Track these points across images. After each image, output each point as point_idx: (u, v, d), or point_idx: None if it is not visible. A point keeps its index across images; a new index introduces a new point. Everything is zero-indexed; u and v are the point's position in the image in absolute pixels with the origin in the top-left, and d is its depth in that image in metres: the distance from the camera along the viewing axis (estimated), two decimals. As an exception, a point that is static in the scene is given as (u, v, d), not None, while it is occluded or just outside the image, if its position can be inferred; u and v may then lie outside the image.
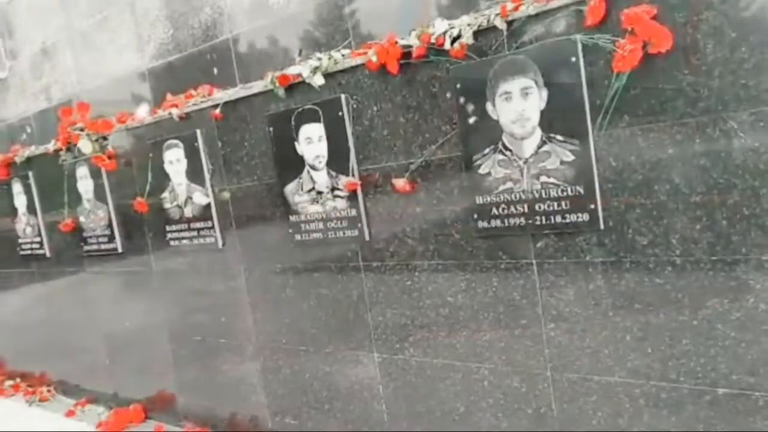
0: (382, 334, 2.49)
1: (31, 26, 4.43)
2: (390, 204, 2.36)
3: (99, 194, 3.63)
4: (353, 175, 2.41)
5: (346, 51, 2.44)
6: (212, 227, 3.03)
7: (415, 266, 2.33)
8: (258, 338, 2.98)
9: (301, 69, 2.45)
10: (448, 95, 2.12)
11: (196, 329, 3.28)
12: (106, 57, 3.87)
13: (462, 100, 2.08)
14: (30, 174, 4.17)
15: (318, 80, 2.42)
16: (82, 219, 3.80)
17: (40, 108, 4.56)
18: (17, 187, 4.30)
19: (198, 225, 3.09)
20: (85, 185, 3.71)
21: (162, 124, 3.18)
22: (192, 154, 3.03)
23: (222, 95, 2.89)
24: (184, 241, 3.18)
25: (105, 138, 3.51)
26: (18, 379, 4.85)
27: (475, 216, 2.11)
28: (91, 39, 3.94)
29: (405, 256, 2.35)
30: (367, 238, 2.44)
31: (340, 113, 2.41)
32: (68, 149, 3.75)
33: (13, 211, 4.39)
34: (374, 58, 2.23)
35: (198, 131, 2.99)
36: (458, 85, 2.08)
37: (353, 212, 2.45)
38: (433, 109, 2.18)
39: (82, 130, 3.58)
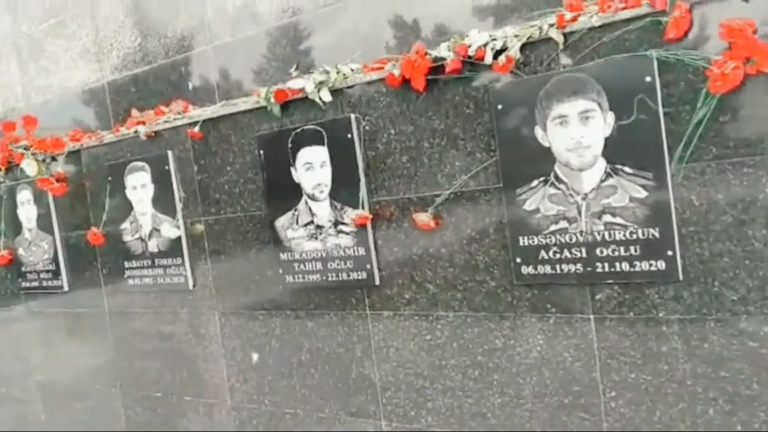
0: (392, 398, 2.10)
1: (-30, 30, 3.91)
2: (407, 242, 2.00)
3: (43, 223, 3.12)
4: (363, 208, 2.05)
5: (356, 65, 2.10)
6: (182, 264, 2.58)
7: (437, 317, 1.97)
8: (233, 397, 2.53)
9: (304, 83, 2.09)
10: (486, 117, 1.81)
11: (155, 383, 2.79)
12: (59, 67, 3.41)
13: (504, 123, 1.76)
14: (-41, 197, 3.60)
15: (325, 96, 2.07)
16: (20, 251, 3.26)
17: (-25, 122, 4.01)
18: (-57, 212, 3.71)
19: (164, 261, 2.64)
20: (26, 212, 3.19)
21: (124, 144, 2.74)
22: (160, 179, 2.60)
23: (201, 112, 2.49)
24: (147, 280, 2.71)
25: (54, 158, 3.03)
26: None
27: (518, 260, 1.78)
28: (42, 46, 3.47)
29: (425, 305, 1.99)
30: (376, 281, 2.07)
31: (349, 135, 2.06)
32: (8, 170, 3.23)
33: (-64, 240, 3.78)
34: (397, 72, 1.90)
35: (169, 152, 2.57)
36: (499, 106, 1.77)
37: (361, 251, 2.08)
38: (465, 133, 1.86)
39: (26, 149, 3.08)
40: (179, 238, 2.57)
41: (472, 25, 1.82)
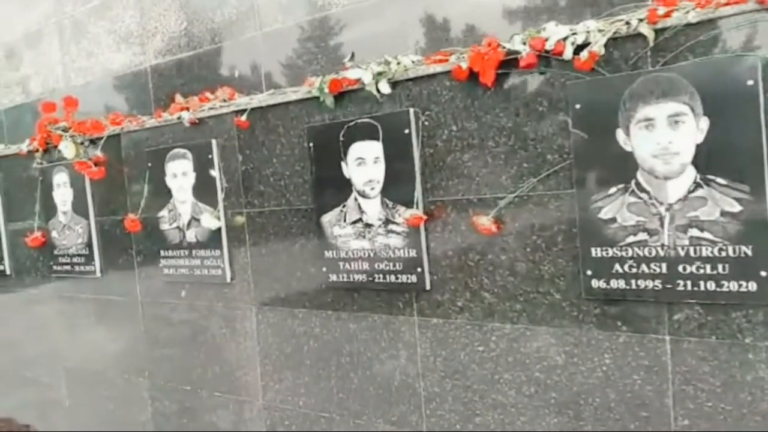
0: (437, 409, 1.99)
1: (12, 10, 3.88)
2: (463, 247, 1.89)
3: (79, 206, 3.06)
4: (417, 207, 1.94)
5: (416, 57, 1.99)
6: (220, 256, 2.50)
7: (492, 329, 1.85)
8: (266, 396, 2.43)
9: (361, 73, 1.99)
10: (561, 117, 1.69)
11: (185, 376, 2.71)
12: (101, 49, 3.35)
13: (581, 124, 1.64)
14: (-5, 176, 3.57)
15: (384, 88, 1.97)
16: (54, 234, 3.21)
17: (13, 103, 3.98)
18: (-22, 191, 3.68)
19: (202, 252, 2.55)
20: (62, 195, 3.14)
21: (166, 130, 2.66)
22: (202, 168, 2.52)
23: (249, 100, 2.40)
24: (183, 270, 2.63)
25: (92, 141, 2.97)
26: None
27: (589, 272, 1.65)
28: (84, 28, 3.42)
29: (479, 314, 1.87)
30: (427, 286, 1.96)
31: (407, 131, 1.95)
32: (46, 151, 3.18)
33: (-30, 218, 3.75)
34: (464, 65, 1.79)
35: (213, 141, 2.49)
36: (577, 105, 1.65)
37: (412, 252, 1.97)
38: (536, 132, 1.74)
39: (65, 130, 3.03)
40: (219, 229, 2.49)
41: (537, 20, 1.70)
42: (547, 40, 1.67)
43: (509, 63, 1.73)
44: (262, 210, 2.39)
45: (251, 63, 2.68)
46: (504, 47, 1.73)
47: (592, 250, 1.64)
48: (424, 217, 1.92)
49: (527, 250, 1.77)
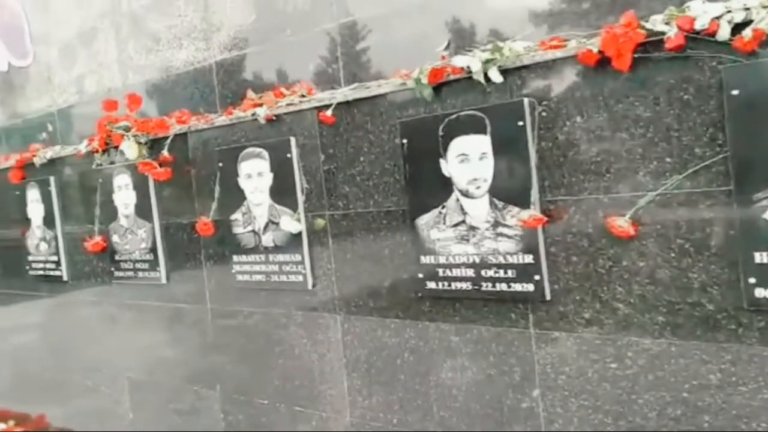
0: None
1: (66, 7, 3.78)
2: (590, 251, 1.69)
3: (142, 209, 2.94)
4: (534, 208, 1.75)
5: (527, 43, 1.80)
6: (301, 262, 2.34)
7: (628, 343, 1.65)
8: (354, 413, 2.27)
9: (468, 61, 1.80)
10: (713, 105, 1.48)
11: (261, 389, 2.56)
12: (160, 45, 3.22)
13: (741, 112, 1.43)
14: (51, 179, 3.47)
15: (495, 76, 1.78)
16: (115, 238, 3.09)
17: (68, 102, 3.89)
18: (33, 194, 3.59)
19: (281, 258, 2.40)
20: (124, 197, 3.02)
21: (237, 128, 2.51)
22: (280, 168, 2.36)
23: (331, 95, 2.23)
24: (258, 277, 2.48)
25: (155, 141, 2.83)
26: (11, 422, 4.06)
27: (751, 280, 1.45)
28: (143, 24, 3.29)
29: (611, 327, 1.67)
30: (547, 296, 1.77)
31: (520, 123, 1.76)
32: (105, 152, 3.06)
33: (25, 222, 3.67)
34: (595, 49, 1.59)
35: (292, 139, 2.33)
36: (735, 92, 1.44)
37: (527, 258, 1.78)
38: (681, 123, 1.54)
39: (127, 129, 2.90)
40: (299, 233, 2.33)
41: None
42: (695, 19, 1.47)
43: (646, 46, 1.53)
44: (347, 212, 2.22)
45: (328, 56, 2.51)
46: (644, 28, 1.53)
47: (756, 255, 1.43)
48: (545, 219, 1.73)
49: (671, 256, 1.57)
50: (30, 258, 3.67)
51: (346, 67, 2.48)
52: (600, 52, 1.59)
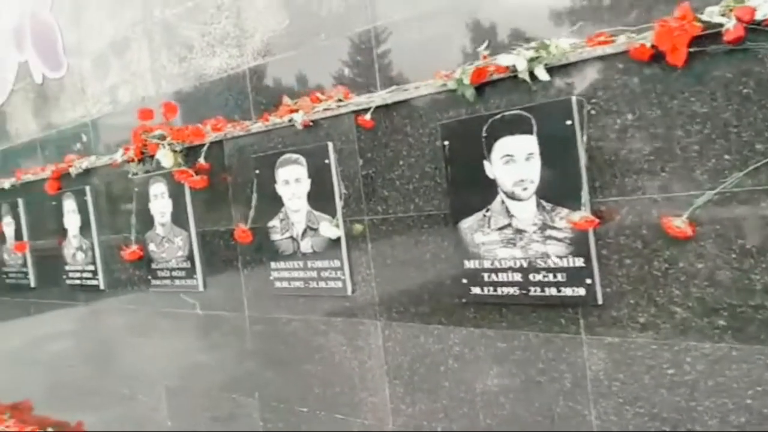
0: (614, 440, 1.74)
1: (99, 17, 3.83)
2: (645, 253, 1.64)
3: (178, 218, 2.95)
4: (584, 209, 1.70)
5: (573, 40, 1.76)
6: (340, 268, 2.32)
7: (686, 348, 1.59)
8: (397, 421, 2.23)
9: (513, 60, 1.76)
10: (776, 98, 1.42)
11: (301, 397, 2.54)
12: (193, 53, 3.24)
13: (807, 105, 1.37)
14: (87, 189, 3.51)
15: (542, 75, 1.73)
16: (152, 247, 3.11)
17: (102, 113, 3.93)
18: (69, 204, 3.64)
19: (319, 264, 2.38)
20: (160, 206, 3.03)
21: (274, 134, 2.50)
22: (318, 174, 2.34)
23: (369, 98, 2.21)
24: (297, 283, 2.46)
25: (190, 149, 2.83)
26: (50, 429, 4.11)
27: (823, 282, 1.38)
28: (175, 32, 3.31)
29: (668, 331, 1.62)
30: (599, 300, 1.72)
31: (569, 122, 1.72)
32: (141, 161, 3.08)
33: (62, 232, 3.72)
34: (649, 44, 1.54)
35: (330, 144, 2.31)
36: (800, 83, 1.38)
37: (578, 262, 1.73)
38: (740, 118, 1.48)
39: (162, 138, 2.91)
40: (338, 239, 2.30)
41: None
42: (756, 9, 1.41)
43: (702, 39, 1.48)
44: (387, 217, 2.19)
45: (364, 59, 2.49)
46: (700, 20, 1.48)
47: (828, 255, 1.37)
48: (596, 220, 1.67)
49: (732, 257, 1.51)
50: (67, 267, 3.71)
51: (382, 70, 2.45)
52: (653, 46, 1.54)
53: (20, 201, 4.05)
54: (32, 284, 4.07)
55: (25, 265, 4.09)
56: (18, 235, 4.09)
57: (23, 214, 4.04)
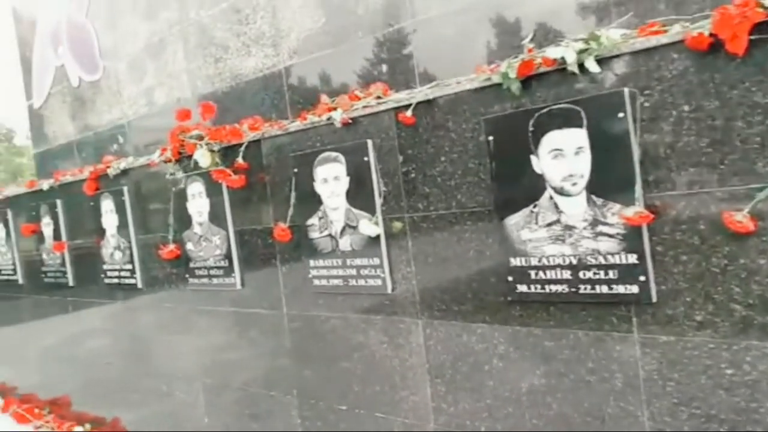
0: (669, 442, 1.69)
1: (134, 20, 3.88)
2: (702, 249, 1.58)
3: (216, 217, 2.96)
4: (638, 204, 1.65)
5: (623, 30, 1.72)
6: (380, 265, 2.30)
7: (746, 348, 1.54)
8: (438, 420, 2.21)
9: (562, 52, 1.72)
10: None
11: (340, 395, 2.53)
12: (229, 54, 3.26)
13: None
14: (125, 189, 3.55)
15: (592, 67, 1.69)
16: (189, 246, 3.13)
17: (138, 114, 3.99)
18: (107, 204, 3.68)
19: (358, 262, 2.36)
20: (197, 205, 3.05)
21: (312, 133, 2.49)
22: (357, 171, 2.33)
23: (409, 95, 2.19)
24: (336, 281, 2.45)
25: (228, 149, 2.84)
26: (87, 426, 4.18)
27: None
28: (211, 33, 3.34)
29: (727, 330, 1.56)
30: (653, 298, 1.67)
31: (621, 114, 1.67)
32: (178, 161, 3.10)
33: (100, 232, 3.77)
34: (707, 32, 1.49)
35: (369, 141, 2.29)
36: None
37: (631, 258, 1.69)
38: (807, 108, 1.42)
39: (200, 138, 2.93)
40: (378, 237, 2.29)
41: None
42: (824, -9, 1.36)
43: (764, 26, 1.42)
44: (428, 214, 2.17)
45: (402, 55, 2.48)
46: (762, 6, 1.42)
47: None
48: (651, 216, 1.63)
49: (798, 252, 1.45)
50: (105, 266, 3.77)
51: (422, 66, 2.44)
52: (712, 35, 1.49)
53: (59, 202, 4.11)
54: (70, 283, 4.13)
55: (63, 264, 4.16)
56: (57, 235, 4.16)
57: (61, 214, 4.11)
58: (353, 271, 2.39)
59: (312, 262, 2.52)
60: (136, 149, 3.92)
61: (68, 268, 4.14)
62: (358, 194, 2.33)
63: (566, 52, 1.72)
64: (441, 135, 2.10)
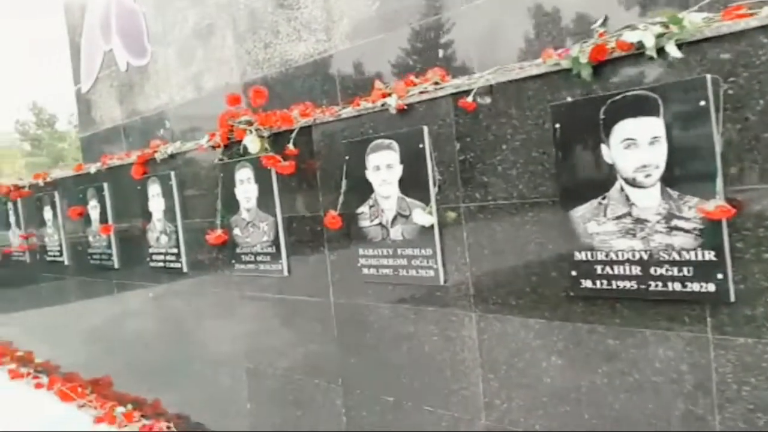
0: (745, 449, 1.60)
1: (183, 5, 3.89)
2: (789, 248, 1.49)
3: (264, 203, 2.95)
4: (718, 198, 1.56)
5: (704, 14, 1.62)
6: (432, 256, 2.25)
7: (838, 352, 1.44)
8: (490, 416, 2.15)
9: (640, 35, 1.64)
10: None
11: (387, 386, 2.49)
12: (279, 39, 3.23)
13: None
14: (172, 174, 3.56)
15: (673, 51, 1.60)
16: (236, 231, 3.13)
17: (186, 99, 4.01)
18: (154, 189, 3.71)
19: (410, 251, 2.32)
20: (246, 191, 3.04)
21: (365, 119, 2.45)
22: (411, 159, 2.27)
23: (469, 80, 2.12)
24: (386, 271, 2.41)
25: (277, 135, 2.81)
26: (129, 406, 4.24)
27: None
28: (260, 18, 3.32)
29: (816, 333, 1.47)
30: (731, 297, 1.58)
31: (702, 103, 1.58)
32: (227, 147, 3.09)
33: (146, 216, 3.80)
34: (805, 13, 1.39)
35: (425, 128, 2.23)
36: None
37: (709, 255, 1.60)
38: None
39: (249, 123, 2.91)
40: (431, 226, 2.23)
41: None
42: None
43: None
44: (485, 204, 2.10)
45: (459, 40, 2.41)
46: None
47: None
48: (733, 210, 1.54)
49: None
50: (150, 250, 3.80)
51: (480, 51, 2.37)
52: (811, 17, 1.39)
53: (105, 185, 4.17)
54: (116, 265, 4.20)
55: (109, 246, 4.22)
56: (103, 218, 4.22)
57: (108, 197, 4.16)
58: (404, 261, 2.35)
59: (361, 251, 2.49)
60: (185, 134, 3.93)
61: (114, 251, 4.20)
62: (412, 182, 2.28)
63: (644, 35, 1.63)
64: (502, 122, 2.03)
